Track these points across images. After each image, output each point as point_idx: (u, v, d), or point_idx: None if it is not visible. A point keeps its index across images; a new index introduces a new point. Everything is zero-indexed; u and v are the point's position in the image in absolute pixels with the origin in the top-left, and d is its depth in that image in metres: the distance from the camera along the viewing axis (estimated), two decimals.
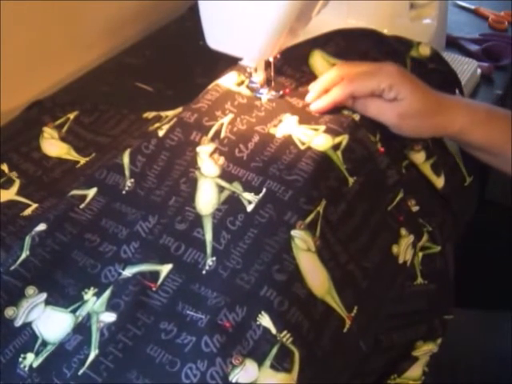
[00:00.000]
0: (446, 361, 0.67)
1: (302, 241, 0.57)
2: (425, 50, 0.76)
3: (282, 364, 0.51)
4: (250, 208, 0.60)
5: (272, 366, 0.51)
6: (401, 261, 0.64)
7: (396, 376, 0.64)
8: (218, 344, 0.52)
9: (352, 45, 0.76)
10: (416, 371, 0.64)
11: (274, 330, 0.53)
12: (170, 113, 0.79)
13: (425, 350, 0.65)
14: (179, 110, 0.73)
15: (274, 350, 0.52)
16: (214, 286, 0.56)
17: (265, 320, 0.53)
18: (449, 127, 0.67)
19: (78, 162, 0.76)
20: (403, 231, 0.66)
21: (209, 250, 0.58)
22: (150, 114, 0.83)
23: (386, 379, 0.63)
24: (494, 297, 0.97)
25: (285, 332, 0.52)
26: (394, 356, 0.64)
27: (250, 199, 0.60)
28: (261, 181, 0.61)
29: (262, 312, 0.54)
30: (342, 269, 0.59)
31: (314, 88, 0.70)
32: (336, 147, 0.64)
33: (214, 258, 0.57)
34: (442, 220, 0.71)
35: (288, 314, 0.53)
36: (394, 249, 0.64)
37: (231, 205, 0.60)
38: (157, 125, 0.75)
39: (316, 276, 0.56)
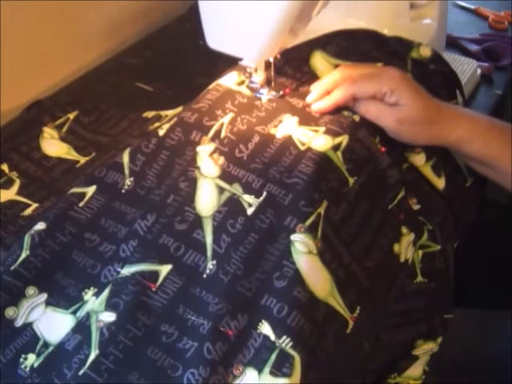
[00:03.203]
0: (446, 360, 0.67)
1: (302, 244, 0.57)
2: (425, 51, 0.76)
3: (280, 370, 0.51)
4: (250, 211, 0.59)
5: (271, 373, 0.52)
6: (402, 259, 0.64)
7: (396, 375, 0.63)
8: (221, 352, 0.52)
9: (353, 46, 0.76)
10: (416, 370, 0.64)
11: (273, 337, 0.53)
12: (170, 112, 0.79)
13: (425, 349, 0.65)
14: (179, 109, 0.73)
15: (273, 357, 0.52)
16: (215, 291, 0.56)
17: (265, 328, 0.54)
18: (446, 136, 0.66)
19: (77, 161, 0.76)
20: (404, 229, 0.66)
21: (209, 253, 0.58)
22: (149, 114, 0.82)
23: (386, 378, 0.63)
24: (493, 297, 0.97)
25: (284, 337, 0.53)
26: (394, 355, 0.64)
27: (250, 202, 0.60)
28: (261, 183, 0.61)
29: (263, 320, 0.54)
30: (344, 269, 0.59)
31: (315, 89, 0.70)
32: (336, 148, 0.63)
33: (215, 262, 0.57)
34: (443, 220, 0.71)
35: (288, 319, 0.53)
36: (395, 247, 0.64)
37: (231, 207, 0.60)
38: (157, 124, 0.75)
39: (318, 278, 0.56)
